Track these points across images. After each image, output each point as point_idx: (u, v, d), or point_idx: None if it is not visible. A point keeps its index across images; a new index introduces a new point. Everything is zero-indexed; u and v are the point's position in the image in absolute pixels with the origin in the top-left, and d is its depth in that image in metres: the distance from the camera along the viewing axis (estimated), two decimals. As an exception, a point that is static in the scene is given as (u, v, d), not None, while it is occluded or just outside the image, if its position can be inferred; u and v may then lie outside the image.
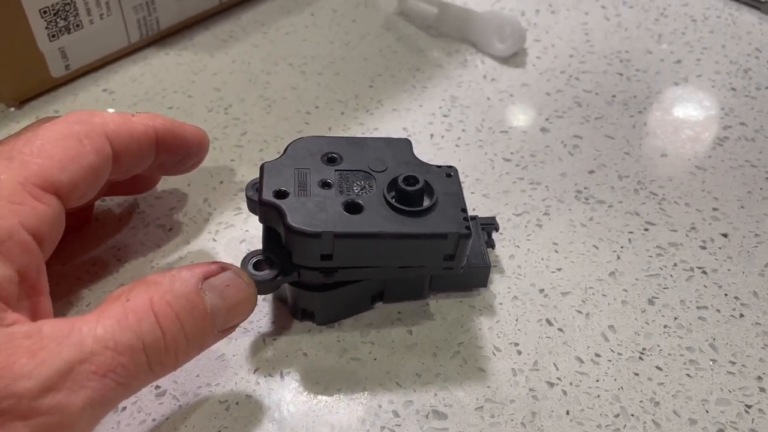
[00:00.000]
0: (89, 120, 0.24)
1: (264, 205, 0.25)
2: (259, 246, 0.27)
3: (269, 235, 0.26)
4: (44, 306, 0.21)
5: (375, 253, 0.25)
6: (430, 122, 0.37)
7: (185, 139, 0.28)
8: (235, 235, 0.31)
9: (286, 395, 0.25)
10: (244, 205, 0.32)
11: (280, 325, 0.27)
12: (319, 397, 0.25)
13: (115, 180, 0.28)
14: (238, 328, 0.27)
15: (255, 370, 0.26)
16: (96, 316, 0.20)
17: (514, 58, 0.42)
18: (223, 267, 0.23)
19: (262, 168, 0.26)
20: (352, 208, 0.25)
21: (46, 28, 0.35)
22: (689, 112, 0.39)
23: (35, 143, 0.22)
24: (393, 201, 0.25)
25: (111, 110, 0.37)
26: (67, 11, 0.36)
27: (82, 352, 0.19)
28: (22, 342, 0.19)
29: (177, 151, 0.28)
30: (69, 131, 0.23)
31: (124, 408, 0.25)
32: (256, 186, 0.27)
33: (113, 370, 0.19)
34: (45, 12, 0.35)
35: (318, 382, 0.26)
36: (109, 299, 0.21)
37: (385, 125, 0.37)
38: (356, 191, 0.25)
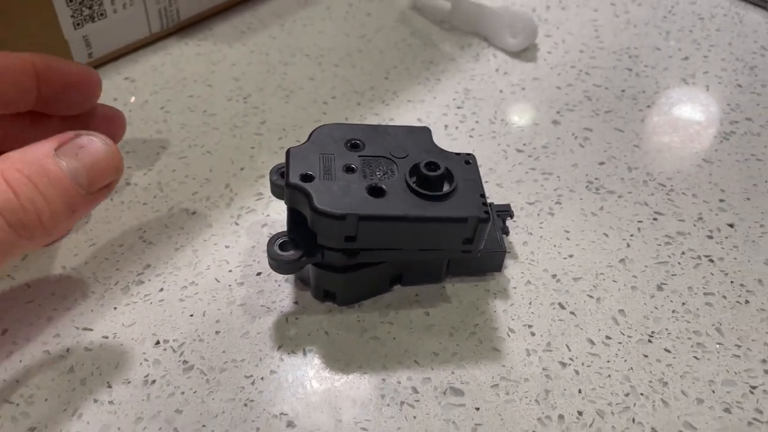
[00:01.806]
0: None
1: (291, 188, 0.26)
2: (281, 230, 0.28)
3: (293, 217, 0.27)
4: None
5: (397, 236, 0.26)
6: (444, 114, 0.38)
7: (66, 71, 0.29)
8: (257, 219, 0.32)
9: (309, 371, 0.26)
10: (265, 191, 0.33)
11: (302, 305, 0.28)
12: (341, 373, 0.26)
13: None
14: (261, 308, 0.28)
15: (279, 347, 0.27)
16: None
17: (526, 52, 0.43)
18: (78, 134, 0.24)
19: (288, 153, 0.27)
20: (376, 192, 0.26)
21: (72, 16, 0.36)
22: (696, 107, 0.40)
23: None
24: (414, 186, 0.26)
25: (132, 98, 0.38)
26: (92, 0, 0.37)
27: None
28: None
29: (58, 83, 0.28)
30: None
31: (154, 381, 0.26)
32: (281, 171, 0.28)
33: None
34: (71, 1, 0.36)
35: (339, 359, 0.27)
36: None
37: (400, 116, 0.38)
38: (379, 176, 0.26)
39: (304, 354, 0.27)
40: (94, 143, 0.24)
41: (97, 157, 0.24)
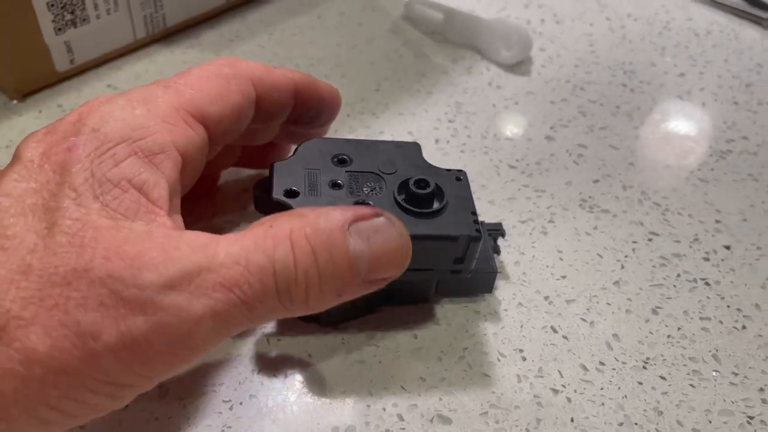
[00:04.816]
0: (237, 65, 0.25)
1: (274, 204, 0.25)
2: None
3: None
4: (178, 224, 0.22)
5: (384, 256, 0.25)
6: (436, 127, 0.37)
7: (320, 92, 0.28)
8: (240, 235, 0.31)
9: (290, 396, 0.25)
10: (249, 205, 0.32)
11: (285, 326, 0.27)
12: (323, 398, 0.25)
13: (250, 143, 0.29)
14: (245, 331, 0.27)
15: (259, 371, 0.26)
16: (237, 235, 0.20)
17: (520, 66, 0.42)
18: (377, 213, 0.22)
19: (272, 167, 0.26)
20: (363, 209, 0.25)
21: (53, 21, 0.35)
22: (692, 124, 0.39)
23: (189, 77, 0.24)
24: (403, 202, 0.25)
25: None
26: (74, 5, 0.36)
27: (212, 261, 0.19)
28: (158, 239, 0.19)
29: (312, 104, 0.28)
30: (219, 72, 0.25)
31: (127, 406, 0.24)
32: (264, 184, 0.27)
33: (239, 285, 0.19)
34: (52, 5, 0.35)
35: (322, 383, 0.26)
36: (255, 224, 0.21)
37: (390, 128, 0.37)
38: (366, 192, 0.25)
39: (286, 378, 0.26)
40: (389, 231, 0.22)
41: (387, 247, 0.22)
